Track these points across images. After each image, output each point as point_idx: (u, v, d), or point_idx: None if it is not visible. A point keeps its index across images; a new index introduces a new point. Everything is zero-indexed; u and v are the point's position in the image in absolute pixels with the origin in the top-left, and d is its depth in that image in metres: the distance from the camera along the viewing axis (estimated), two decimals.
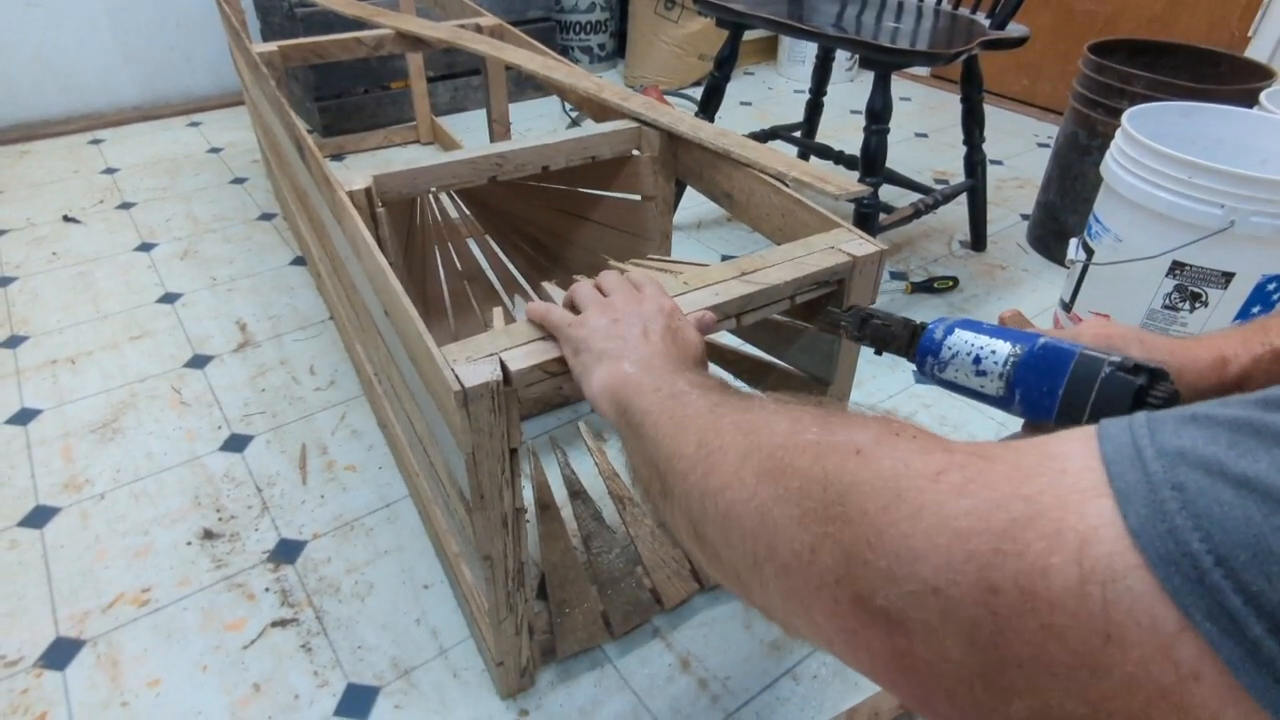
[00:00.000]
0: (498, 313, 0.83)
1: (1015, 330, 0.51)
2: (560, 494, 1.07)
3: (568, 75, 1.16)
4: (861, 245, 0.75)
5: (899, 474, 0.29)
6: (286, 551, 1.04)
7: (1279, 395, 0.24)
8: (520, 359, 0.62)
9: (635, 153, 1.04)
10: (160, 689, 0.88)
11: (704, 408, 0.43)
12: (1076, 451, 0.26)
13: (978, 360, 0.50)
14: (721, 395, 0.45)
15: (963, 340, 0.52)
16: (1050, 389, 0.46)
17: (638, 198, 1.08)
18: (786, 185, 0.85)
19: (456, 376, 0.59)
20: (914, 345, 0.55)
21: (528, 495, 1.00)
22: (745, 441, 0.37)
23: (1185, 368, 0.49)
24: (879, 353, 0.59)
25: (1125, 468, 0.24)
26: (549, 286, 0.96)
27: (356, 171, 0.88)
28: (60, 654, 0.91)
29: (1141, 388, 0.43)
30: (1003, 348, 0.49)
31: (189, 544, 1.05)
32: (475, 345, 0.63)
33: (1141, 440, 0.25)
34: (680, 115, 1.01)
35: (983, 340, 0.51)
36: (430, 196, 1.10)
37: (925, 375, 0.55)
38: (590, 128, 1.01)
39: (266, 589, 0.99)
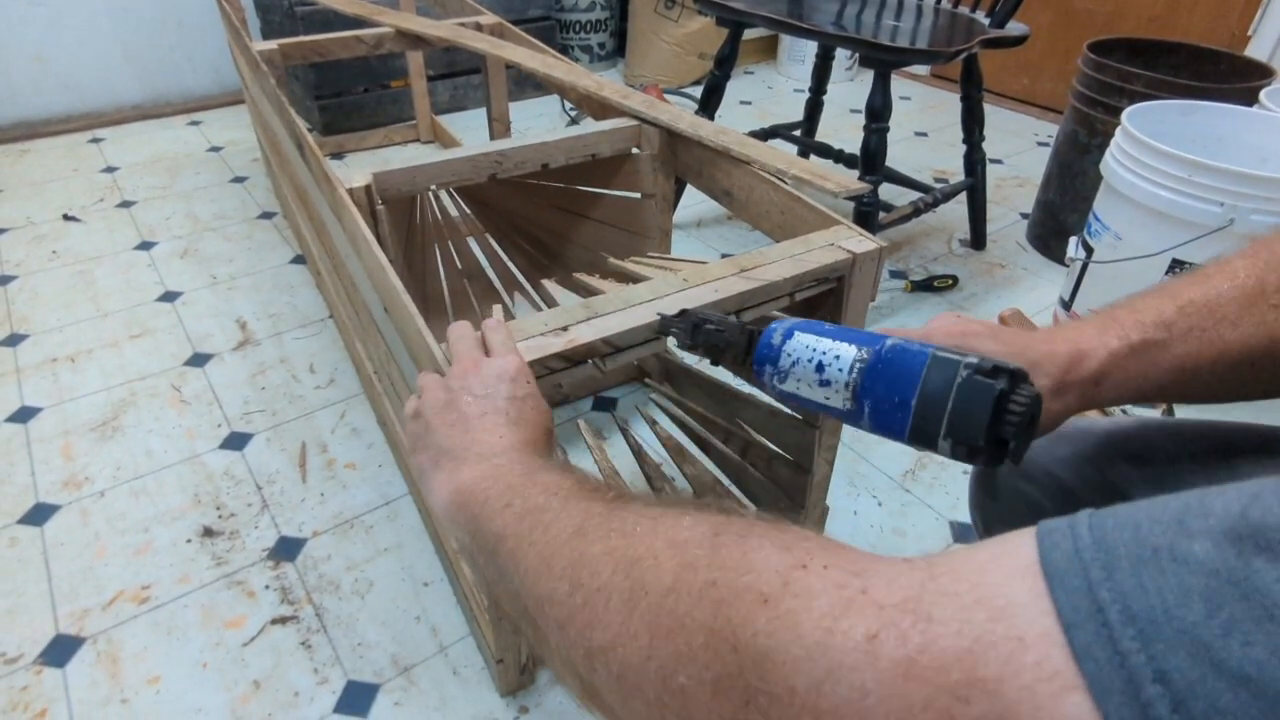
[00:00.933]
0: (497, 311, 0.83)
1: (863, 332, 0.45)
2: None
3: (568, 74, 1.16)
4: (861, 243, 0.75)
5: (824, 642, 0.25)
6: (286, 549, 1.04)
7: (1247, 519, 0.21)
8: None
9: (635, 151, 1.04)
10: (160, 686, 0.88)
11: (568, 531, 0.37)
12: (1024, 598, 0.23)
13: (820, 368, 0.44)
14: (583, 508, 0.38)
15: (803, 345, 0.45)
16: (902, 399, 0.41)
17: (638, 196, 1.08)
18: (786, 183, 0.85)
19: None
20: (751, 354, 0.48)
21: None
22: (627, 583, 0.32)
23: (1040, 362, 0.46)
24: (715, 363, 0.51)
25: (1091, 641, 0.21)
26: (549, 285, 0.96)
27: (356, 169, 0.88)
28: (60, 651, 0.92)
29: (1002, 393, 0.38)
30: (847, 352, 0.43)
31: (189, 541, 1.05)
32: None
33: (1100, 591, 0.22)
34: (680, 113, 1.01)
35: (825, 344, 0.44)
36: (430, 194, 1.10)
37: (766, 388, 0.48)
38: (590, 126, 1.01)
39: (266, 586, 0.99)
